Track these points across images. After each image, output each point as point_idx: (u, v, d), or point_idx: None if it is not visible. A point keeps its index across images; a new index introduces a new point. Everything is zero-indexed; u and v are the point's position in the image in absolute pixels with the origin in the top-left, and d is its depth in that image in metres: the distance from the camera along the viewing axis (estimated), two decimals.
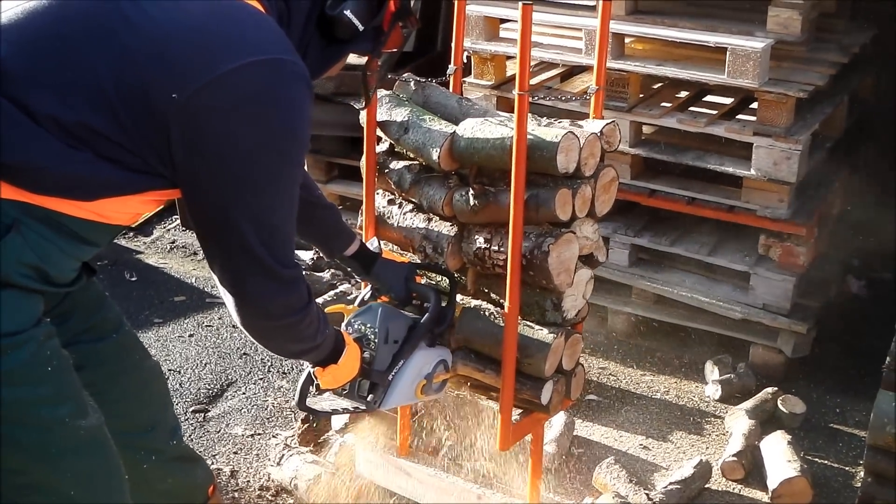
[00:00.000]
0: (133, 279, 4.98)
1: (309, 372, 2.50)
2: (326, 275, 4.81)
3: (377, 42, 2.25)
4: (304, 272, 4.72)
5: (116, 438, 2.22)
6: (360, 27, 2.14)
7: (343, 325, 2.63)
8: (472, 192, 2.64)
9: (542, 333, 2.66)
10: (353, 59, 4.79)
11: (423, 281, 2.85)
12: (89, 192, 1.93)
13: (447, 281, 2.82)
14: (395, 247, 2.98)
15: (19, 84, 1.85)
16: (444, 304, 2.74)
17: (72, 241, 1.98)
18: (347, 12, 2.11)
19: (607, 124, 2.66)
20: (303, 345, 2.29)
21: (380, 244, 2.86)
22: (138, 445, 2.46)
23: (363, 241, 2.86)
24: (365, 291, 2.86)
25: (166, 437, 2.56)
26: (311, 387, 2.53)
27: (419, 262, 2.89)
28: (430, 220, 2.81)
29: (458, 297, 2.84)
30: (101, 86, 1.85)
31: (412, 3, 2.29)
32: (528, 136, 2.48)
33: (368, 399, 2.60)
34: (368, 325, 2.60)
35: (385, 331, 2.59)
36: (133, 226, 2.15)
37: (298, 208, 2.13)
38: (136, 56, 1.85)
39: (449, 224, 2.77)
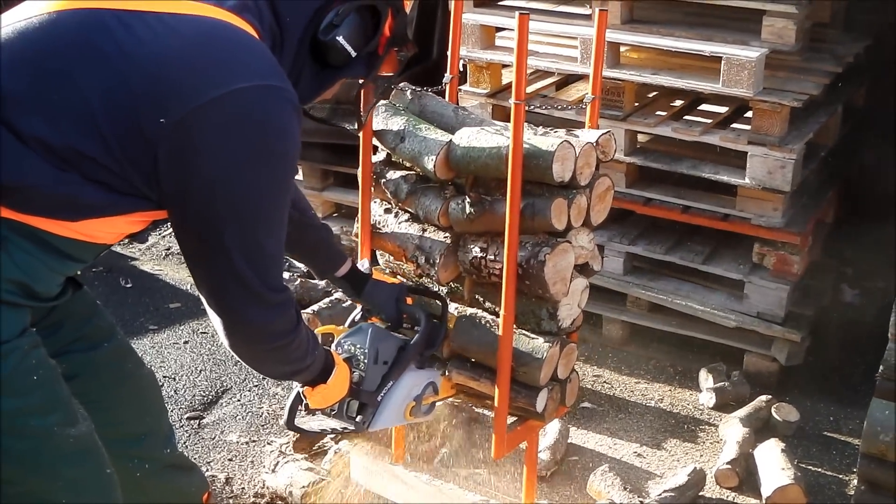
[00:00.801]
0: (128, 286, 4.99)
1: (298, 391, 2.49)
2: (322, 282, 4.81)
3: (371, 67, 2.24)
4: (299, 281, 4.72)
5: (110, 447, 2.21)
6: (353, 53, 2.14)
7: (333, 345, 2.63)
8: (468, 199, 2.65)
9: (537, 343, 2.67)
10: None
11: (413, 303, 2.85)
12: (75, 213, 1.93)
13: (439, 304, 2.81)
14: (390, 256, 2.99)
15: (8, 105, 1.85)
16: (434, 326, 2.75)
17: (57, 258, 1.97)
18: (340, 38, 2.10)
19: (603, 134, 2.67)
20: (292, 367, 2.29)
21: (370, 265, 2.86)
22: (132, 454, 2.46)
23: (355, 262, 2.86)
24: (356, 312, 2.86)
25: (160, 446, 2.55)
26: (300, 406, 2.53)
27: (411, 283, 2.90)
28: (424, 230, 2.82)
29: (454, 307, 2.84)
30: (90, 110, 1.85)
31: (408, 29, 2.28)
32: (525, 145, 2.49)
33: (357, 420, 2.59)
34: (358, 346, 2.59)
35: (375, 352, 2.58)
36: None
37: (291, 229, 2.13)
38: (127, 81, 1.86)
39: (443, 235, 2.78)
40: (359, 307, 2.86)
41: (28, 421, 1.97)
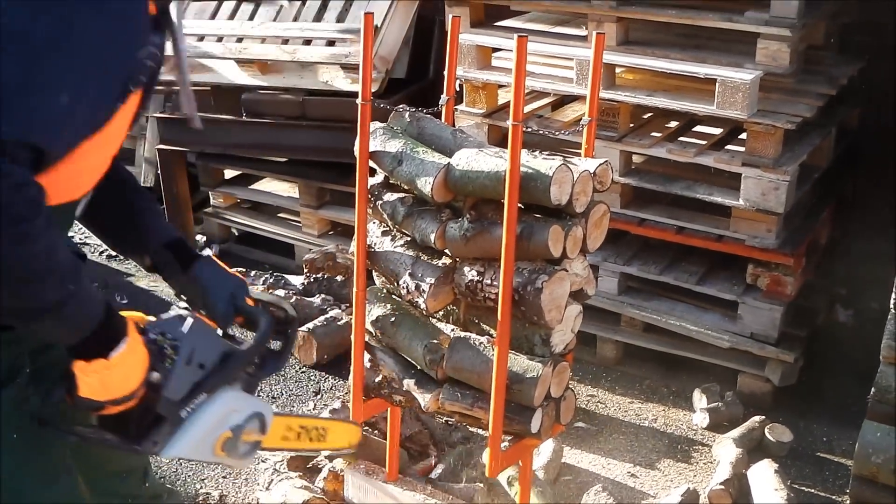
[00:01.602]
0: (124, 302, 4.96)
1: (68, 368, 1.77)
2: (317, 300, 4.82)
3: None
4: (294, 299, 4.69)
5: (96, 486, 2.19)
6: None
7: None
8: (467, 218, 2.66)
9: (531, 364, 2.68)
10: (345, 85, 4.81)
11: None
12: None
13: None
14: (383, 278, 2.99)
15: None
16: (276, 349, 2.17)
17: None
18: None
19: (600, 165, 2.68)
20: (25, 291, 1.61)
21: (213, 253, 2.25)
22: (116, 491, 2.39)
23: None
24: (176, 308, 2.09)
25: (139, 482, 2.46)
26: (62, 389, 1.78)
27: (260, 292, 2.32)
28: (418, 256, 2.82)
29: (449, 329, 2.84)
30: None
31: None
32: (523, 168, 2.50)
33: (148, 436, 1.87)
34: (168, 336, 1.88)
35: (190, 348, 1.88)
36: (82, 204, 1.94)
37: (110, 188, 1.90)
38: None
39: (437, 262, 2.78)
40: (181, 304, 2.15)
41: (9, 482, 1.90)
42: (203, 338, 1.92)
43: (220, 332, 2.06)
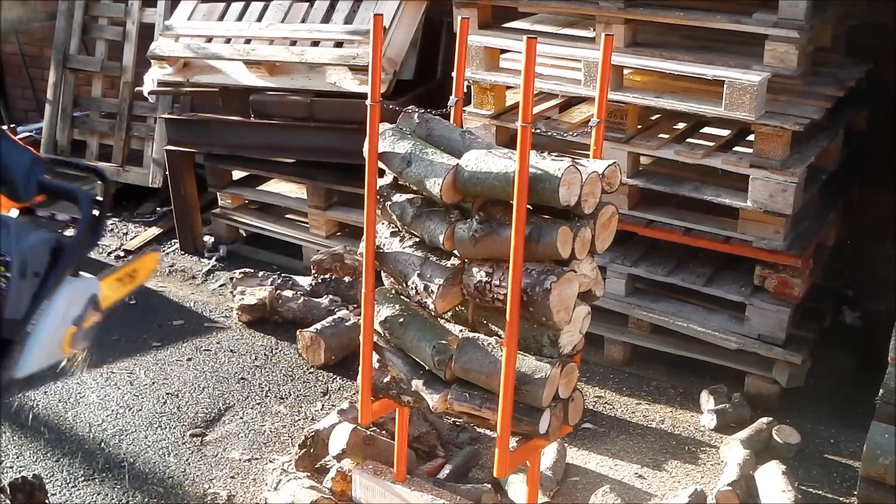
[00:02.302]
0: (132, 302, 4.99)
1: None
2: (325, 301, 4.84)
3: None
4: (302, 300, 4.70)
5: None
6: None
7: None
8: (475, 219, 2.66)
9: (539, 365, 2.68)
10: (353, 86, 4.82)
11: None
12: None
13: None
14: (391, 279, 3.00)
15: None
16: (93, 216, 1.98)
17: None
18: None
19: (609, 166, 2.69)
20: None
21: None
22: None
23: None
24: None
25: None
26: None
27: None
28: (427, 257, 2.83)
29: (457, 329, 2.84)
30: None
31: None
32: (532, 169, 2.51)
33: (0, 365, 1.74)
34: None
35: (21, 261, 1.71)
36: None
37: None
38: None
39: (446, 263, 2.79)
40: None
41: None
42: (30, 242, 1.76)
43: (16, 213, 1.89)
